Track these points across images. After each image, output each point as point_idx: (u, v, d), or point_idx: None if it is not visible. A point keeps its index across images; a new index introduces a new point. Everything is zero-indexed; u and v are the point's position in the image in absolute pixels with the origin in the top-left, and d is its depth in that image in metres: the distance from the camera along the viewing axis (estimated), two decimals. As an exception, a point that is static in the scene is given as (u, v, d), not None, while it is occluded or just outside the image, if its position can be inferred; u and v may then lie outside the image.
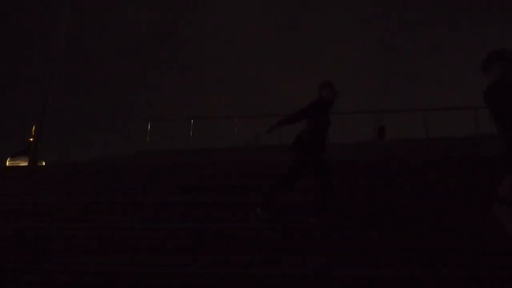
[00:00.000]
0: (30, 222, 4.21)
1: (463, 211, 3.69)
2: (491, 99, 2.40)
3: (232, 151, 9.65)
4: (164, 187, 5.27)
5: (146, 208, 4.36)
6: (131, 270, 2.88)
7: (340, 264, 2.94)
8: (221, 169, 6.24)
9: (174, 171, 6.40)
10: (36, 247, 3.47)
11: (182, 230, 3.56)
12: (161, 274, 2.80)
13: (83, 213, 4.33)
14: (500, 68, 2.48)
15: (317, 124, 3.82)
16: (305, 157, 3.75)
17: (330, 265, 2.93)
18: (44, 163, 14.71)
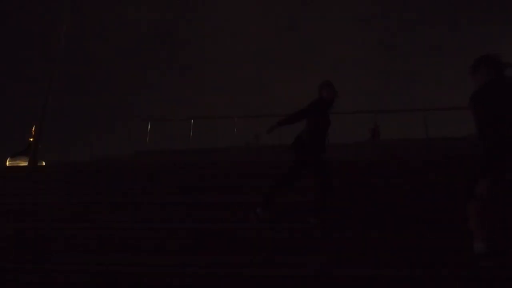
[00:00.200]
0: (30, 222, 4.21)
1: (463, 211, 3.68)
2: (475, 104, 2.45)
3: (232, 151, 9.65)
4: (164, 187, 5.27)
5: (146, 208, 4.36)
6: (131, 270, 2.88)
7: (340, 264, 2.94)
8: (221, 169, 6.24)
9: (174, 171, 6.40)
10: (36, 247, 3.47)
11: (182, 230, 3.56)
12: (161, 274, 2.80)
13: (83, 213, 4.33)
14: (487, 74, 2.52)
15: (317, 124, 3.82)
16: (305, 157, 3.75)
17: (330, 265, 2.93)
18: (44, 163, 14.71)
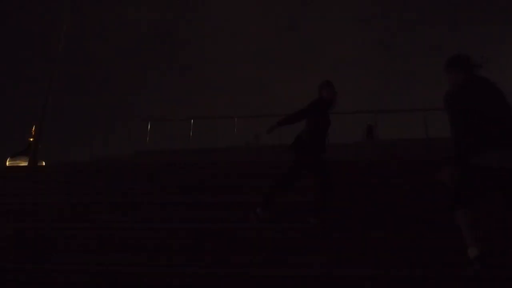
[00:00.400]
0: (30, 222, 4.21)
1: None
2: (449, 104, 2.50)
3: (232, 151, 9.65)
4: (164, 187, 5.27)
5: (146, 208, 4.36)
6: (131, 270, 2.88)
7: (340, 264, 2.94)
8: (221, 169, 6.24)
9: (174, 171, 6.40)
10: (36, 247, 3.47)
11: (182, 230, 3.56)
12: (161, 274, 2.80)
13: (83, 213, 4.33)
14: (460, 74, 2.59)
15: (317, 124, 3.82)
16: (305, 157, 3.75)
17: (330, 265, 2.93)
18: (44, 163, 14.70)
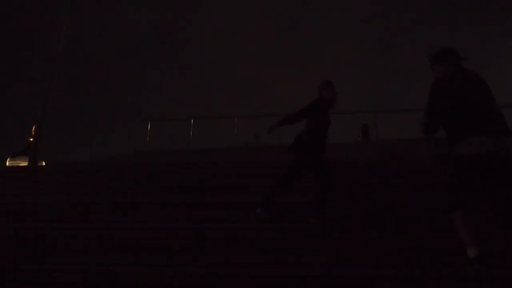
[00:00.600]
0: (30, 222, 4.21)
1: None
2: (434, 95, 2.62)
3: (232, 151, 9.64)
4: (164, 187, 5.27)
5: (146, 208, 4.36)
6: (131, 270, 2.88)
7: (340, 264, 2.94)
8: (221, 169, 6.24)
9: (174, 171, 6.40)
10: (36, 247, 3.47)
11: (182, 230, 3.56)
12: (161, 274, 2.80)
13: (83, 213, 4.33)
14: (447, 66, 2.68)
15: (317, 124, 3.82)
16: (305, 157, 3.75)
17: (330, 265, 2.93)
18: (44, 163, 14.70)
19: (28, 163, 11.23)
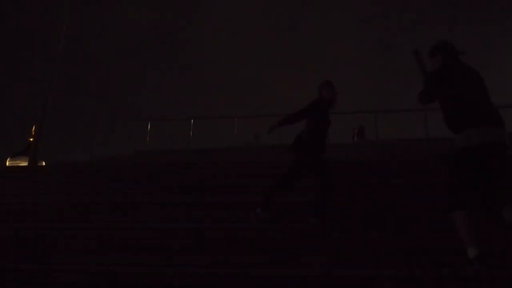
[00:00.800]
0: (30, 222, 4.21)
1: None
2: (440, 81, 2.69)
3: (232, 151, 9.65)
4: (164, 187, 5.27)
5: (146, 208, 4.36)
6: (131, 270, 2.88)
7: (340, 264, 2.94)
8: (221, 169, 6.24)
9: (174, 171, 6.40)
10: (36, 247, 3.47)
11: (182, 230, 3.56)
12: (161, 274, 2.80)
13: (83, 213, 4.33)
14: (444, 59, 2.79)
15: (317, 124, 3.82)
16: (305, 157, 3.75)
17: (330, 265, 2.93)
18: (44, 163, 14.70)
19: (28, 163, 11.23)
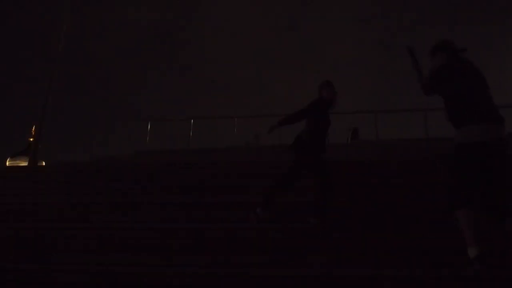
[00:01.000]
0: (30, 222, 4.21)
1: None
2: (443, 77, 2.72)
3: (232, 151, 9.65)
4: (164, 187, 5.27)
5: (146, 208, 4.36)
6: (131, 270, 2.88)
7: (340, 264, 2.94)
8: (221, 169, 6.24)
9: (174, 171, 6.40)
10: (36, 247, 3.47)
11: (182, 230, 3.56)
12: (161, 274, 2.80)
13: (83, 213, 4.33)
14: (444, 57, 2.81)
15: (317, 124, 3.82)
16: (305, 157, 3.75)
17: (330, 265, 2.93)
18: (44, 163, 14.69)
19: (28, 163, 11.23)
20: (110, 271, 2.86)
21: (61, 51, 12.09)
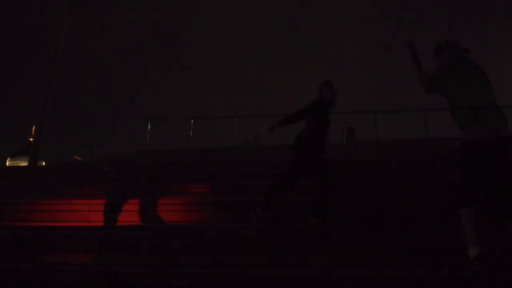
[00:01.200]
0: (30, 222, 4.21)
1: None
2: (448, 75, 2.73)
3: (232, 151, 9.65)
4: (164, 187, 5.27)
5: (147, 208, 4.36)
6: (131, 270, 2.88)
7: (340, 264, 2.94)
8: (221, 169, 6.24)
9: (174, 171, 6.40)
10: (36, 247, 3.47)
11: (182, 230, 3.56)
12: (161, 274, 2.80)
13: (83, 213, 4.33)
14: (449, 56, 2.83)
15: (317, 124, 3.82)
16: (305, 157, 3.75)
17: (330, 265, 2.93)
18: (44, 163, 14.69)
19: (28, 163, 11.23)
20: (110, 271, 2.86)
21: (61, 51, 12.10)
